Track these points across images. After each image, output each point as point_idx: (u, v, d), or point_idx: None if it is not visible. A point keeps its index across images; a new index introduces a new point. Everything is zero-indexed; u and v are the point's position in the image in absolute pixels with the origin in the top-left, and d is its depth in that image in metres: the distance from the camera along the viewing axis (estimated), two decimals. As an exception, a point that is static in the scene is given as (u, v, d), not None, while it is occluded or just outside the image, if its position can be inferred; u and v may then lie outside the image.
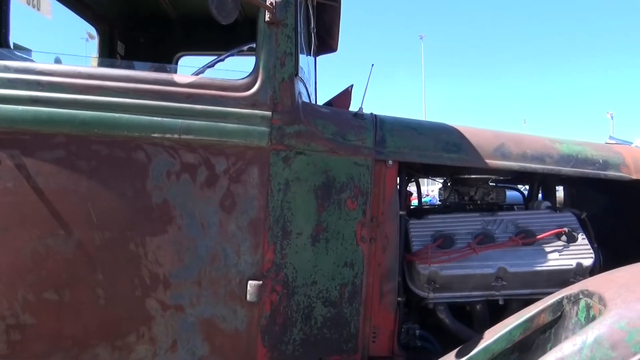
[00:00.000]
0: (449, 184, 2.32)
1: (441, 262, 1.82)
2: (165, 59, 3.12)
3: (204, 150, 1.59)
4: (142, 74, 1.61)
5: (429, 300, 1.90)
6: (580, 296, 1.47)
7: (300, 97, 1.78)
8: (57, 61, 2.16)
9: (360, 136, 1.76)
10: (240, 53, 2.08)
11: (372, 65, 2.01)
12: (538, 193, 2.36)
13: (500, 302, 1.90)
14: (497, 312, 1.91)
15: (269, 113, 1.63)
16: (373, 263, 1.77)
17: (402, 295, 1.87)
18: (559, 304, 1.52)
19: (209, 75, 1.95)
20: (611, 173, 1.95)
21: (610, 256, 2.13)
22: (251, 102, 1.62)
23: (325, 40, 2.96)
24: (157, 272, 1.58)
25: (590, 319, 1.38)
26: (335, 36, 2.85)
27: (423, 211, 2.22)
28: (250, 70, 1.64)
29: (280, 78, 1.64)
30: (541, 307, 1.54)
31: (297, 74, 1.68)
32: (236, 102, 1.61)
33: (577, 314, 1.46)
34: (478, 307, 1.92)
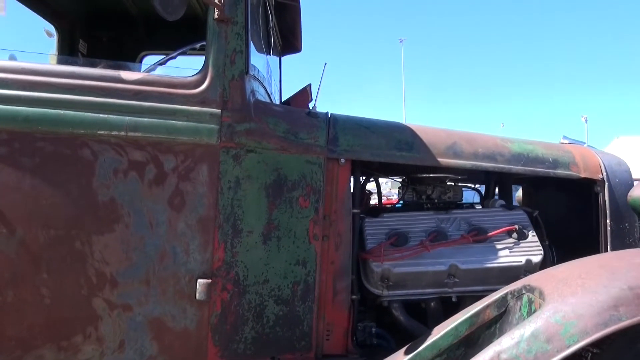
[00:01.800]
0: (407, 183, 2.35)
1: (394, 260, 1.84)
2: (128, 58, 3.09)
3: (152, 147, 1.58)
4: (88, 71, 1.59)
5: (383, 298, 1.92)
6: (523, 291, 1.50)
7: (253, 95, 1.78)
8: (12, 58, 2.12)
9: (313, 134, 1.77)
10: (195, 52, 2.07)
11: (325, 64, 2.02)
12: (494, 192, 2.40)
13: (454, 299, 1.92)
14: (451, 309, 1.93)
15: (218, 110, 1.62)
16: (326, 261, 1.78)
17: (356, 293, 1.88)
18: (503, 299, 1.55)
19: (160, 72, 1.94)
20: (560, 171, 1.99)
21: (565, 253, 2.18)
22: (200, 100, 1.61)
23: (289, 40, 2.96)
24: (104, 271, 1.56)
25: (532, 313, 1.41)
26: (298, 36, 2.86)
27: (381, 210, 2.24)
28: (200, 68, 1.64)
29: (230, 75, 1.64)
30: (486, 303, 1.57)
31: (247, 72, 1.68)
32: (185, 99, 1.60)
33: (520, 308, 1.49)
34: (432, 304, 1.94)
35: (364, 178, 2.31)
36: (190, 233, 1.61)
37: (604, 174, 2.01)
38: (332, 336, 1.81)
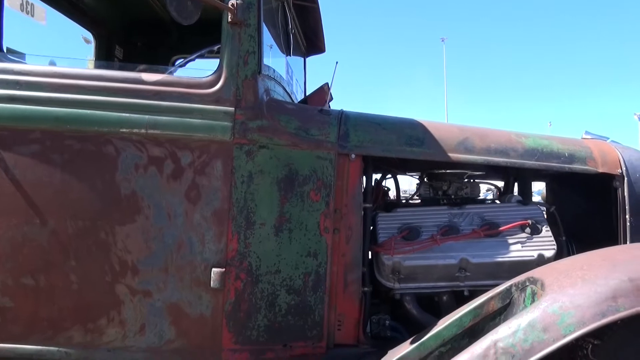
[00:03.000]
0: (424, 179, 2.37)
1: (404, 253, 1.87)
2: (162, 61, 3.25)
3: (170, 144, 1.69)
4: (112, 73, 1.71)
5: (395, 291, 1.95)
6: (527, 283, 1.51)
7: (267, 94, 1.86)
8: (52, 64, 2.29)
9: (324, 131, 1.83)
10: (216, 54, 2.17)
11: (337, 62, 2.08)
12: (513, 188, 2.39)
13: (466, 293, 1.94)
14: (464, 302, 1.94)
15: (232, 109, 1.71)
16: (337, 253, 1.84)
17: (368, 285, 1.92)
18: (507, 291, 1.56)
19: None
20: (577, 166, 1.97)
21: (587, 249, 2.15)
22: (215, 99, 1.71)
23: (312, 41, 3.04)
24: (126, 260, 1.68)
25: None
26: (320, 37, 2.93)
27: (397, 205, 2.27)
28: (215, 69, 1.73)
29: (244, 76, 1.72)
30: (491, 295, 1.59)
31: (260, 72, 1.76)
32: (201, 98, 1.70)
33: (524, 300, 1.50)
34: (445, 297, 1.96)
35: (380, 174, 2.36)
36: (206, 224, 1.70)
37: (623, 168, 1.98)
38: (343, 326, 1.86)
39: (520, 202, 2.10)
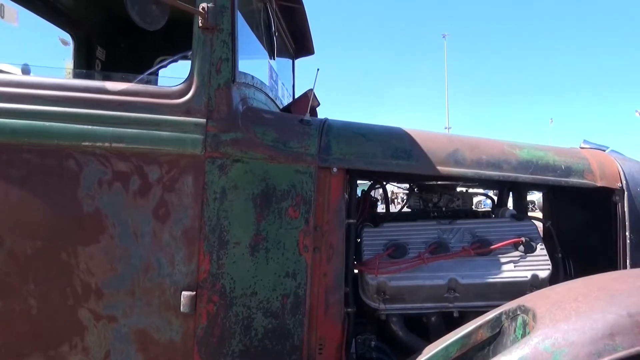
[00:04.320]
0: (414, 190, 2.26)
1: (389, 273, 1.76)
2: (146, 63, 3.13)
3: (137, 158, 1.57)
4: (73, 82, 1.60)
5: (381, 312, 1.84)
6: (518, 312, 1.40)
7: (244, 103, 1.74)
8: (25, 71, 2.17)
9: (303, 143, 1.72)
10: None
11: (318, 70, 1.96)
12: (507, 199, 2.27)
13: (455, 314, 1.83)
14: (454, 324, 1.84)
15: (203, 120, 1.60)
16: (317, 273, 1.73)
17: (352, 306, 1.82)
18: (497, 319, 1.45)
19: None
20: (574, 180, 1.86)
21: (585, 266, 2.04)
22: (185, 109, 1.59)
23: (301, 43, 2.92)
24: (89, 282, 1.57)
25: (526, 336, 1.31)
26: (308, 39, 2.81)
27: (384, 218, 2.16)
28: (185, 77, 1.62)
29: (216, 84, 1.61)
30: (479, 323, 1.47)
31: (234, 80, 1.64)
32: (170, 109, 1.58)
33: (515, 330, 1.39)
34: (433, 319, 1.85)
35: (368, 185, 2.25)
36: (175, 244, 1.59)
37: (624, 182, 1.86)
38: (324, 350, 1.75)
39: (514, 217, 1.99)
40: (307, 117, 1.81)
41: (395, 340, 1.88)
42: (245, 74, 1.81)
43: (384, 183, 2.25)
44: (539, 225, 2.11)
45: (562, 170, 1.86)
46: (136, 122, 1.56)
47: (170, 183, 1.59)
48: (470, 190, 2.36)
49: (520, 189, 2.24)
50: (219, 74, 1.61)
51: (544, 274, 1.74)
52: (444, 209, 2.11)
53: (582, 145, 2.20)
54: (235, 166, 1.63)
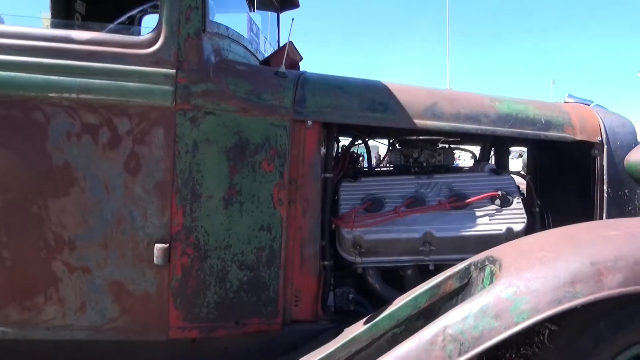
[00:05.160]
0: (396, 146, 2.24)
1: (365, 226, 1.76)
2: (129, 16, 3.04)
3: (106, 110, 1.55)
4: (38, 31, 1.55)
5: (357, 265, 1.86)
6: (486, 262, 1.41)
7: (218, 55, 1.70)
8: (-2, 21, 2.11)
9: (277, 95, 1.69)
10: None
11: (293, 19, 1.90)
12: (489, 155, 2.26)
13: (431, 268, 1.84)
14: (431, 277, 1.86)
15: (172, 71, 1.56)
16: (293, 226, 1.73)
17: (329, 259, 1.83)
18: (466, 270, 1.46)
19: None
20: (553, 134, 1.84)
21: (565, 220, 2.05)
22: (154, 60, 1.55)
23: (286, -5, 2.84)
24: (61, 235, 1.57)
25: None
26: (292, -9, 2.73)
27: (365, 173, 2.15)
28: (154, 26, 1.57)
29: (185, 34, 1.56)
30: (448, 274, 1.49)
31: (204, 30, 1.60)
32: (138, 59, 1.55)
33: (483, 280, 1.40)
34: (409, 272, 1.87)
35: (350, 140, 2.23)
36: (147, 197, 1.59)
37: (603, 136, 1.84)
38: (300, 302, 1.78)
39: (493, 172, 1.98)
40: (283, 69, 1.77)
41: (373, 293, 1.90)
42: (218, 24, 1.76)
43: (367, 139, 2.23)
44: (522, 181, 2.11)
45: (541, 124, 1.83)
46: (103, 72, 1.53)
47: (140, 135, 1.56)
48: (453, 146, 2.34)
49: (502, 144, 2.22)
50: (188, 22, 1.56)
51: (519, 227, 1.74)
52: (424, 164, 2.10)
53: (567, 100, 2.17)
54: (207, 119, 1.61)
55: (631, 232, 1.23)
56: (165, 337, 1.64)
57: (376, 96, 1.78)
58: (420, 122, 1.76)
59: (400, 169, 2.11)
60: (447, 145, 2.26)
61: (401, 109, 1.76)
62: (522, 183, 2.66)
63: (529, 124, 1.83)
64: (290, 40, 2.10)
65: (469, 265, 1.45)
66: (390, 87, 1.83)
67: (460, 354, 1.16)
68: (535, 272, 1.19)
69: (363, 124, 1.76)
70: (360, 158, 2.38)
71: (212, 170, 1.63)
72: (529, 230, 1.83)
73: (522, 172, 2.09)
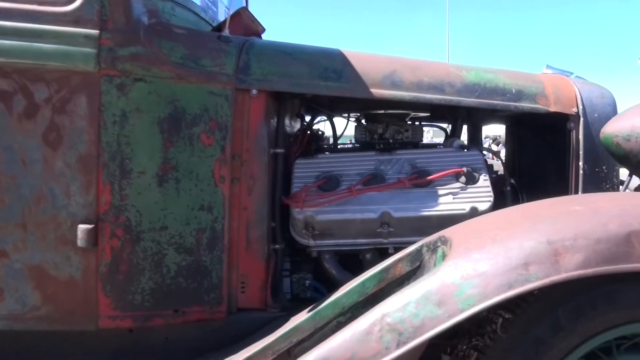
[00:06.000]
0: (361, 121, 2.09)
1: (316, 206, 1.62)
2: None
3: (19, 75, 1.39)
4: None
5: (312, 248, 1.71)
6: (438, 244, 1.26)
7: (154, 16, 1.54)
8: None
9: (218, 61, 1.53)
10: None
11: None
12: (461, 131, 2.10)
13: (391, 251, 1.69)
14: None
15: (96, 32, 1.40)
16: (237, 206, 1.58)
17: (280, 242, 1.68)
18: (417, 252, 1.32)
19: None
20: (524, 104, 1.68)
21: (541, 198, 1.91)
22: (73, 19, 1.39)
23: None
24: None
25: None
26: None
27: (324, 151, 1.99)
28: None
29: None
30: (398, 257, 1.34)
31: (132, -15, 1.43)
32: (55, 18, 1.38)
33: (435, 263, 1.25)
34: (368, 255, 1.72)
35: (310, 116, 2.07)
36: (70, 173, 1.43)
37: (580, 107, 1.68)
38: (247, 289, 1.63)
39: (462, 147, 1.83)
40: (226, 33, 1.60)
41: (330, 279, 1.76)
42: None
43: (331, 115, 2.08)
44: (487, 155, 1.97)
45: (512, 94, 1.68)
46: (15, 32, 1.36)
47: (60, 104, 1.41)
48: (424, 123, 2.18)
49: (474, 119, 2.07)
50: None
51: (484, 206, 1.59)
52: (390, 140, 1.94)
53: (544, 71, 2.01)
54: (137, 86, 1.45)
55: (596, 208, 1.08)
56: (94, 327, 1.49)
57: (329, 63, 1.62)
58: (377, 92, 1.61)
59: (365, 146, 1.96)
60: (417, 123, 2.10)
61: (357, 78, 1.61)
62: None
63: (498, 94, 1.67)
64: (245, 6, 1.93)
65: (421, 246, 1.31)
66: (347, 54, 1.67)
67: (398, 345, 1.02)
68: (485, 253, 1.04)
69: (314, 92, 1.61)
70: (323, 134, 2.23)
71: (144, 143, 1.47)
72: (497, 209, 1.69)
73: (493, 147, 1.93)
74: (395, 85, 1.62)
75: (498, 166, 2.42)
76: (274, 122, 1.65)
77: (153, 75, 1.45)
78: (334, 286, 1.76)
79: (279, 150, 1.66)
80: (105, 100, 1.43)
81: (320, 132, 2.17)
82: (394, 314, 1.05)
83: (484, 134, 2.56)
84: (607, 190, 1.71)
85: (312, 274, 1.80)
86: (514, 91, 1.68)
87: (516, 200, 1.94)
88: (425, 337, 1.00)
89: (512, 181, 2.25)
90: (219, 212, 1.54)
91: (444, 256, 1.21)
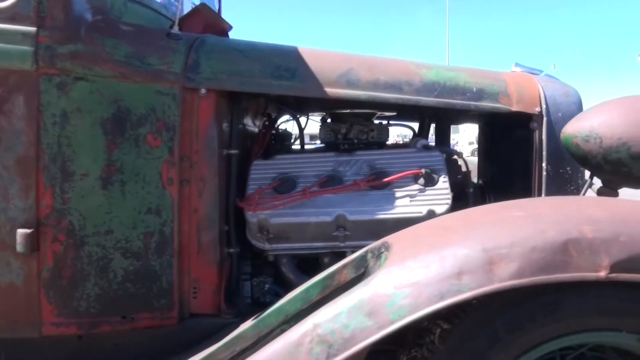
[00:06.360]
0: (326, 120, 2.04)
1: (269, 209, 1.57)
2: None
3: None
4: None
5: (268, 252, 1.67)
6: (382, 250, 1.21)
7: (101, 12, 1.49)
8: None
9: (165, 59, 1.48)
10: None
11: None
12: (428, 131, 2.05)
13: (348, 255, 1.64)
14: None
15: (33, 29, 1.35)
16: (187, 209, 1.53)
17: (235, 246, 1.64)
18: (362, 258, 1.27)
19: None
20: (485, 104, 1.63)
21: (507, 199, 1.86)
22: (9, 16, 1.34)
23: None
24: None
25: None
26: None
27: (287, 152, 1.94)
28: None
29: None
30: (343, 263, 1.29)
31: (72, -20, 1.38)
32: None
33: (379, 270, 1.20)
34: (326, 260, 1.68)
35: (274, 115, 2.03)
36: (8, 175, 1.38)
37: (543, 106, 1.63)
38: (199, 294, 1.58)
39: (425, 148, 1.78)
40: (176, 30, 1.55)
41: (288, 284, 1.71)
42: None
43: (297, 115, 2.03)
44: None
45: (472, 93, 1.63)
46: None
47: None
48: (392, 122, 2.14)
49: (443, 118, 2.02)
50: None
51: (441, 209, 1.55)
52: (355, 141, 1.89)
53: (513, 68, 1.96)
54: (78, 85, 1.40)
55: (537, 214, 1.03)
56: (37, 334, 1.45)
57: (282, 61, 1.57)
58: (332, 91, 1.56)
59: (330, 147, 1.91)
60: (385, 122, 2.06)
61: (310, 76, 1.56)
62: (473, 162, 2.47)
63: (458, 93, 1.62)
64: (204, 2, 1.88)
65: (366, 252, 1.26)
66: (302, 52, 1.62)
67: (328, 358, 0.97)
68: (419, 261, 1.00)
69: (265, 92, 1.56)
70: (290, 135, 2.17)
71: (86, 144, 1.42)
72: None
73: (455, 148, 1.88)
74: (350, 84, 1.57)
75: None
76: (227, 122, 1.60)
77: (95, 74, 1.41)
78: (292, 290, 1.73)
79: (232, 151, 1.61)
80: (45, 100, 1.38)
81: (286, 132, 2.12)
82: (325, 325, 1.00)
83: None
84: (572, 191, 1.66)
85: (272, 277, 1.75)
86: (474, 90, 1.62)
87: (482, 202, 1.89)
88: (355, 350, 0.96)
89: (481, 182, 2.21)
90: (167, 215, 1.50)
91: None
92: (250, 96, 1.68)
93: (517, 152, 1.91)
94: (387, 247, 1.18)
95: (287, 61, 1.57)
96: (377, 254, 1.22)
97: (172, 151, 1.48)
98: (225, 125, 1.60)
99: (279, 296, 1.76)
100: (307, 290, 1.29)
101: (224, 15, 2.60)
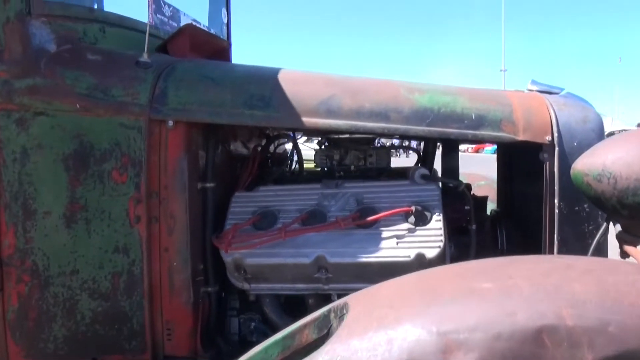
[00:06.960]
0: (322, 146, 1.90)
1: (243, 248, 1.45)
2: None
3: None
4: None
5: (249, 292, 1.56)
6: (344, 311, 1.06)
7: (64, 42, 1.42)
8: None
9: (130, 90, 1.39)
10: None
11: None
12: (433, 155, 1.87)
13: (334, 297, 1.51)
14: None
15: None
16: (157, 248, 1.44)
17: (213, 284, 1.54)
18: (325, 318, 1.12)
19: None
20: (485, 132, 1.44)
21: (526, 237, 1.67)
22: None
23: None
24: None
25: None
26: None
27: (279, 181, 1.82)
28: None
29: (4, 18, 1.29)
30: (304, 322, 1.15)
31: (30, 12, 1.32)
32: None
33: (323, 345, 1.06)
34: (311, 301, 1.55)
35: (265, 141, 1.91)
36: None
37: (555, 135, 1.43)
38: (174, 336, 1.49)
39: (424, 178, 1.61)
40: (145, 57, 1.46)
41: (270, 324, 1.60)
42: (74, 5, 1.48)
43: (295, 139, 1.91)
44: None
45: (471, 120, 1.44)
46: None
47: None
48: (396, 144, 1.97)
49: (451, 141, 1.83)
50: (6, 4, 1.29)
51: (432, 252, 1.37)
52: (352, 167, 1.75)
53: (529, 87, 1.74)
54: (37, 120, 1.34)
55: (509, 286, 0.85)
56: (4, 376, 1.41)
57: (256, 89, 1.45)
58: (309, 121, 1.42)
59: (326, 174, 1.78)
60: (386, 144, 1.90)
61: (287, 105, 1.43)
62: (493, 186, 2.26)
63: (454, 121, 1.44)
64: (191, 22, 1.79)
65: (329, 311, 1.11)
66: (282, 77, 1.49)
67: None
68: (365, 342, 0.85)
69: (236, 123, 1.44)
70: (287, 162, 2.05)
71: (48, 181, 1.36)
72: (462, 253, 1.48)
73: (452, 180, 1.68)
74: (331, 112, 1.43)
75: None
76: (201, 154, 1.50)
77: (55, 109, 1.34)
78: (277, 331, 1.61)
79: (208, 185, 1.51)
80: (4, 137, 1.33)
81: (285, 154, 2.00)
82: None
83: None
84: (590, 231, 1.44)
85: (260, 314, 1.65)
86: (473, 117, 1.44)
87: (492, 236, 1.70)
88: None
89: (496, 210, 2.01)
90: (136, 254, 1.41)
91: (346, 328, 1.02)
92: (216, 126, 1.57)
93: (534, 180, 1.71)
94: (347, 309, 1.04)
95: (262, 89, 1.45)
96: (340, 315, 1.08)
97: (139, 187, 1.39)
98: (201, 156, 1.50)
99: (267, 335, 1.65)
100: (265, 350, 1.16)
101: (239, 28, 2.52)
